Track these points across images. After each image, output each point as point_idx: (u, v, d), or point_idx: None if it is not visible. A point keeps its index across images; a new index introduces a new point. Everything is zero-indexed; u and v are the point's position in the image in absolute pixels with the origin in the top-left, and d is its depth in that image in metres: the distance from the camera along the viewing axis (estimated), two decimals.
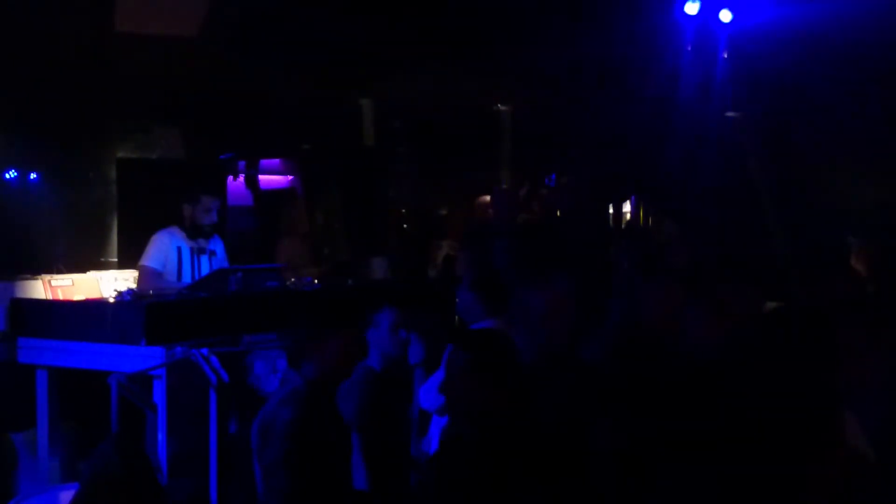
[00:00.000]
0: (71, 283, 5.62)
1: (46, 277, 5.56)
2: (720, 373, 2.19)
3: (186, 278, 5.62)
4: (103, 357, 4.63)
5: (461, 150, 10.85)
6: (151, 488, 3.00)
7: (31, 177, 8.69)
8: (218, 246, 5.88)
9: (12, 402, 5.15)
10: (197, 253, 5.76)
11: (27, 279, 5.54)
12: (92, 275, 5.94)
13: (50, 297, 5.45)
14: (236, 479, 4.52)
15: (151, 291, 5.09)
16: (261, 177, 10.50)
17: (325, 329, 3.52)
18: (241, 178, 10.24)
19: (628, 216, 10.95)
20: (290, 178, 10.69)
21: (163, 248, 5.63)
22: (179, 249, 5.70)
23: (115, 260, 8.05)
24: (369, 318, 4.27)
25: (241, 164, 10.13)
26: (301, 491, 3.33)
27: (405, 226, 10.41)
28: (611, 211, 10.41)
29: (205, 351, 4.46)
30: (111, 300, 4.94)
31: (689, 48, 7.09)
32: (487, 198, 7.45)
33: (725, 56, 6.98)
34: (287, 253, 7.66)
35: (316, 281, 5.88)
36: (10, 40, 6.18)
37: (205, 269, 5.70)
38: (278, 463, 3.32)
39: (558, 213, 7.16)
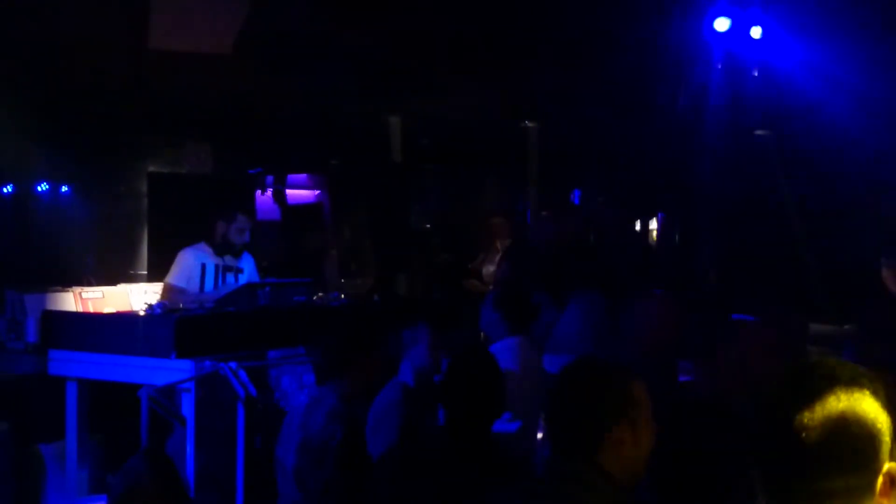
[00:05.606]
0: (101, 296, 5.65)
1: (77, 290, 5.59)
2: None
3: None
4: (133, 370, 4.65)
5: (488, 168, 10.86)
6: (181, 502, 3.00)
7: (63, 190, 8.80)
8: (248, 263, 5.82)
9: (42, 413, 5.19)
10: (223, 270, 5.72)
11: (58, 291, 5.58)
12: (122, 287, 5.97)
13: (80, 309, 5.48)
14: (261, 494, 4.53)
15: (181, 304, 5.11)
16: (288, 192, 10.57)
17: (355, 345, 3.49)
18: (269, 192, 10.31)
19: (655, 233, 10.92)
20: (318, 192, 10.75)
21: (187, 265, 5.59)
22: (204, 266, 5.64)
23: (145, 272, 8.11)
24: (404, 335, 4.23)
25: (270, 178, 10.20)
26: None
27: (431, 243, 10.42)
28: (637, 227, 10.39)
29: (233, 365, 4.47)
30: (141, 313, 4.95)
31: (719, 65, 7.02)
32: (499, 219, 7.56)
33: (756, 74, 6.91)
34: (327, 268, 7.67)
35: (343, 296, 5.88)
36: (43, 56, 6.26)
37: (230, 287, 5.68)
38: (338, 483, 3.25)
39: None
